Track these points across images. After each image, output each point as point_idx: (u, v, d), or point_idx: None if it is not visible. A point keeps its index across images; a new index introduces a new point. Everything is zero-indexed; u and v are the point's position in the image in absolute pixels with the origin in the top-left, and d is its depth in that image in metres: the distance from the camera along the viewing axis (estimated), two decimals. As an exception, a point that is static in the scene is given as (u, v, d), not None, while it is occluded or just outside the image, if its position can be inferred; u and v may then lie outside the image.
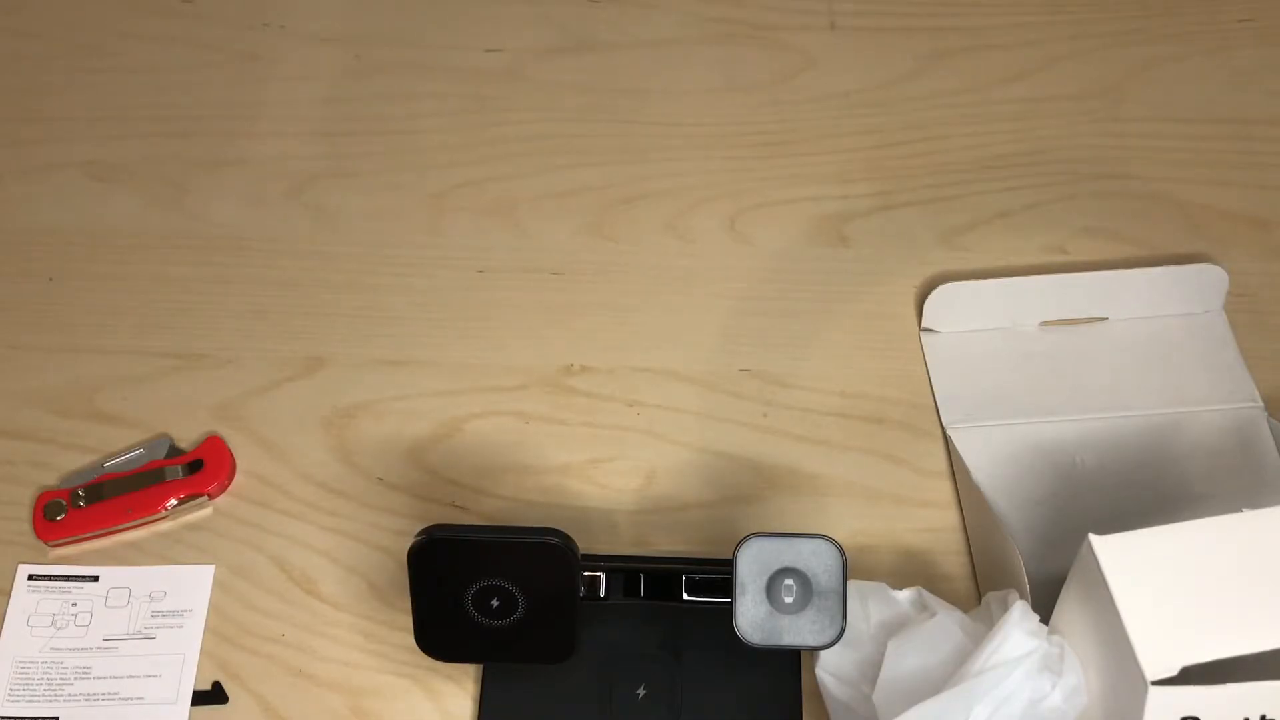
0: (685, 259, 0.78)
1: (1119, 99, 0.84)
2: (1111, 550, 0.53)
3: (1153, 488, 0.69)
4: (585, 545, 0.61)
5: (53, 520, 0.68)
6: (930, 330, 0.75)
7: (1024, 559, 0.61)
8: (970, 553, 0.68)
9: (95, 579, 0.68)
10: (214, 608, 0.67)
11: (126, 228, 0.80)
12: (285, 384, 0.74)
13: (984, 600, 0.61)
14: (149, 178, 0.82)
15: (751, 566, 0.59)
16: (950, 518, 0.69)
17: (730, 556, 0.59)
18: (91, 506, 0.69)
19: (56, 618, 0.66)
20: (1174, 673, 0.51)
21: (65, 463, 0.71)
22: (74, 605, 0.67)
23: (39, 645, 0.66)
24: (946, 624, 0.59)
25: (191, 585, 0.67)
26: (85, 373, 0.74)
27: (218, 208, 0.80)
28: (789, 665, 0.63)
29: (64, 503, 0.69)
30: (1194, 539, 0.53)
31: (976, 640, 0.57)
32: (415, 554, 0.59)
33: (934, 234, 0.79)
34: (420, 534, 0.59)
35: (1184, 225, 0.79)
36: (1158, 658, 0.51)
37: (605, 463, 0.71)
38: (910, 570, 0.67)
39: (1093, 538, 0.53)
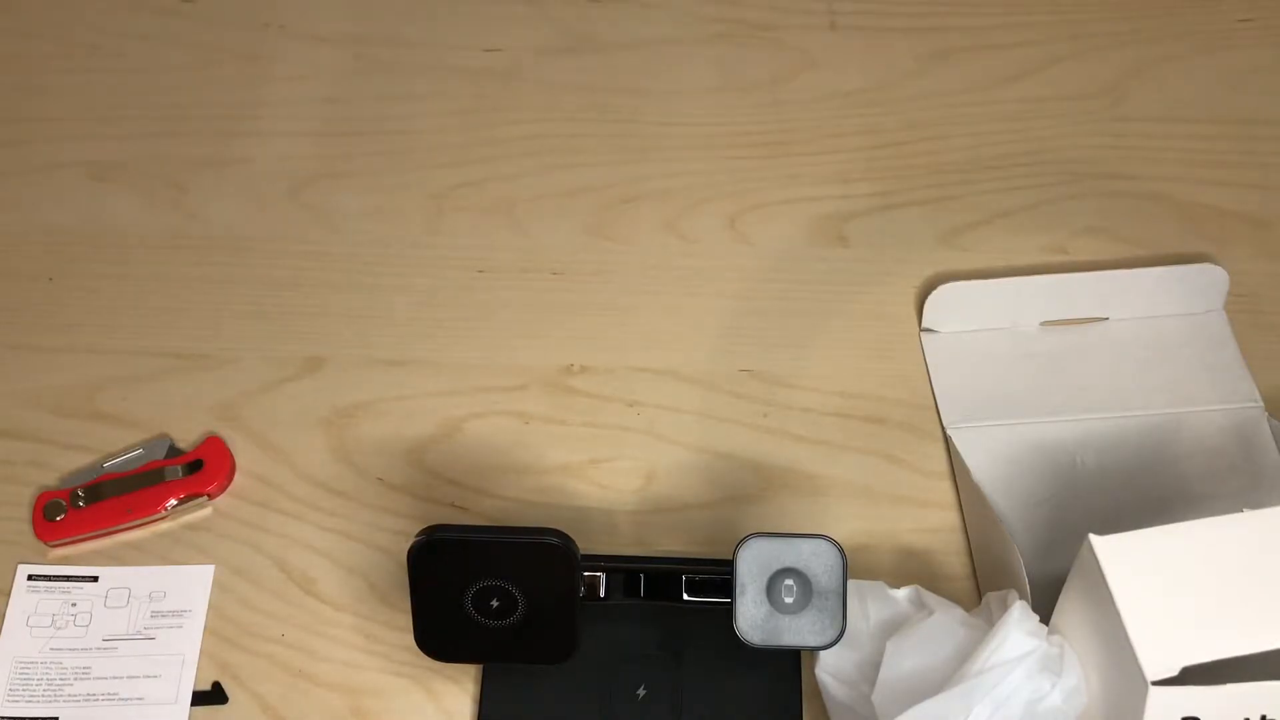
0: (685, 259, 0.78)
1: (1119, 99, 0.84)
2: (1112, 550, 0.53)
3: (1153, 488, 0.69)
4: (585, 545, 0.61)
5: (52, 520, 0.68)
6: (930, 330, 0.75)
7: (1024, 559, 0.61)
8: (970, 553, 0.68)
9: (95, 579, 0.68)
10: (214, 608, 0.67)
11: (126, 228, 0.80)
12: (285, 384, 0.74)
13: (984, 600, 0.61)
14: (149, 178, 0.82)
15: (751, 567, 0.59)
16: (950, 518, 0.69)
17: (730, 557, 0.59)
18: (91, 507, 0.69)
19: (56, 618, 0.66)
20: (1174, 673, 0.51)
21: (65, 463, 0.71)
22: (74, 605, 0.67)
23: (39, 645, 0.66)
24: (946, 623, 0.59)
25: (191, 585, 0.67)
26: (85, 373, 0.74)
27: (218, 208, 0.81)
28: (789, 665, 0.63)
29: (64, 503, 0.69)
30: (1194, 539, 0.53)
31: (975, 638, 0.57)
32: (415, 554, 0.59)
33: (934, 234, 0.79)
34: (420, 534, 0.59)
35: (1184, 225, 0.79)
36: (1158, 658, 0.51)
37: (605, 463, 0.71)
38: (910, 570, 0.67)
39: (1093, 538, 0.53)
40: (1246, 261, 0.76)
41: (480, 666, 0.64)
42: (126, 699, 0.64)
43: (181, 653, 0.65)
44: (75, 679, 0.65)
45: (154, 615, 0.66)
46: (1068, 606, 0.56)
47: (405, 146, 0.83)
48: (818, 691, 0.61)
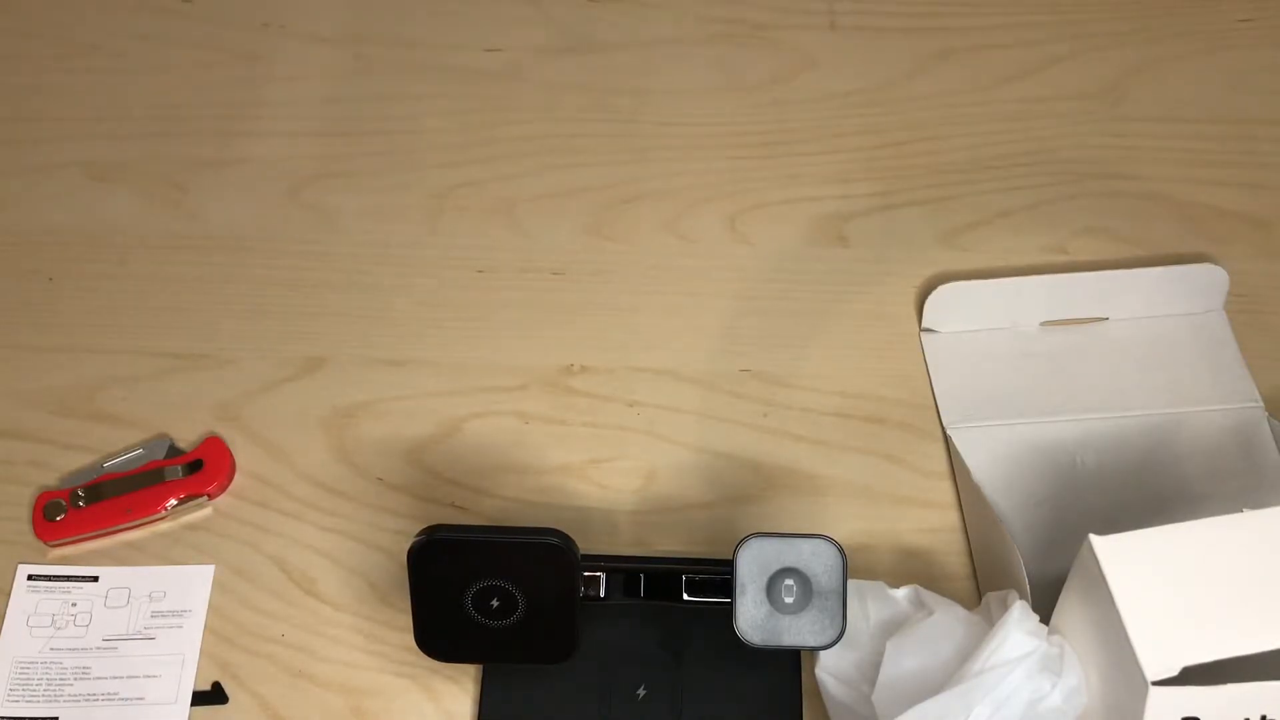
0: (685, 259, 0.78)
1: (1119, 99, 0.84)
2: (1112, 550, 0.53)
3: (1153, 488, 0.69)
4: (585, 545, 0.61)
5: (52, 520, 0.68)
6: (930, 330, 0.75)
7: (1024, 559, 0.61)
8: (970, 553, 0.68)
9: (95, 579, 0.68)
10: (214, 608, 0.67)
11: (126, 228, 0.80)
12: (285, 384, 0.74)
13: (984, 600, 0.61)
14: (149, 177, 0.82)
15: (751, 567, 0.59)
16: (950, 518, 0.69)
17: (730, 557, 0.59)
18: (91, 507, 0.69)
19: (56, 618, 0.66)
20: (1174, 673, 0.51)
21: (65, 463, 0.71)
22: (74, 605, 0.67)
23: (39, 645, 0.66)
24: (946, 623, 0.59)
25: (191, 585, 0.67)
26: (85, 373, 0.74)
27: (218, 208, 0.81)
28: (789, 665, 0.63)
29: (64, 503, 0.69)
30: (1194, 539, 0.53)
31: (975, 637, 0.57)
32: (415, 554, 0.59)
33: (934, 234, 0.79)
34: (420, 534, 0.59)
35: (1184, 225, 0.79)
36: (1158, 658, 0.51)
37: (605, 463, 0.71)
38: (910, 570, 0.67)
39: (1093, 538, 0.53)
40: (1246, 261, 0.76)
41: (480, 666, 0.64)
42: (126, 699, 0.64)
43: (181, 653, 0.65)
44: (75, 679, 0.65)
45: (154, 615, 0.67)
46: (1068, 606, 0.56)
47: (405, 146, 0.83)
48: (818, 691, 0.61)
